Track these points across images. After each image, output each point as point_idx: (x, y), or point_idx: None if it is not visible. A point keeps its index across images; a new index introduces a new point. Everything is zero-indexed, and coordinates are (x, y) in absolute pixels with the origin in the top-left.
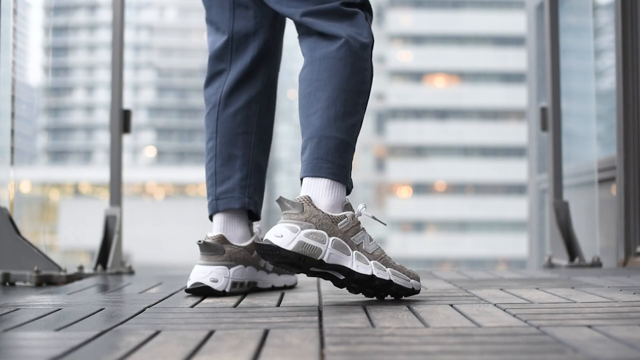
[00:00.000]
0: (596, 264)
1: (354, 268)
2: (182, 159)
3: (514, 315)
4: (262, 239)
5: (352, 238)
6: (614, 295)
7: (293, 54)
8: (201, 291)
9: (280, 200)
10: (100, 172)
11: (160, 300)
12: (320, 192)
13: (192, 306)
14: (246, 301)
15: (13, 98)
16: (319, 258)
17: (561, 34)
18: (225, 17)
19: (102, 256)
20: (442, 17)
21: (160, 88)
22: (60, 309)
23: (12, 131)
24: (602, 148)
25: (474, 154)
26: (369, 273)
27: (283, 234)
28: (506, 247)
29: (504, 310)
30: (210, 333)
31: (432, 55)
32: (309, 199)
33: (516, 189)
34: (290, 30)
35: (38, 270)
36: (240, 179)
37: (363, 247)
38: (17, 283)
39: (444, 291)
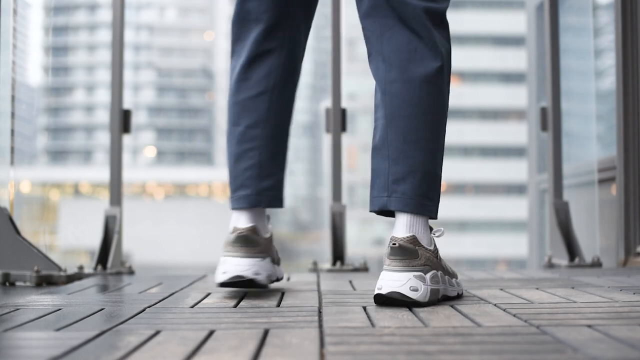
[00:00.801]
0: (596, 264)
1: (451, 295)
2: (182, 159)
3: (514, 315)
4: (381, 289)
5: (442, 264)
6: (614, 295)
7: None
8: (242, 284)
9: (399, 248)
10: (100, 172)
11: (160, 300)
12: (422, 229)
13: (192, 306)
14: (246, 301)
15: (13, 98)
16: (439, 297)
17: (561, 34)
18: None
19: (102, 256)
20: None
21: (160, 88)
22: (60, 309)
23: (12, 131)
24: (602, 148)
25: (474, 154)
26: (454, 295)
27: (418, 288)
28: (506, 247)
29: (504, 310)
30: (210, 333)
31: None
32: (416, 240)
33: (516, 189)
34: None
35: (38, 270)
36: (283, 177)
37: (446, 267)
38: (17, 283)
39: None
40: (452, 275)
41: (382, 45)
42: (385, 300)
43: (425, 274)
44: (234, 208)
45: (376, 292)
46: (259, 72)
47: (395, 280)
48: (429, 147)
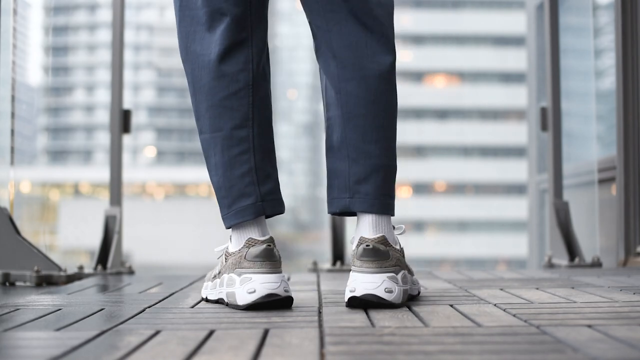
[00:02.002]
0: (596, 264)
1: (413, 294)
2: (182, 159)
3: (514, 315)
4: (354, 291)
5: (406, 262)
6: (614, 295)
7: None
8: (274, 304)
9: (373, 250)
10: (100, 172)
11: (160, 300)
12: (388, 228)
13: (192, 306)
14: None
15: (13, 98)
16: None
17: (561, 34)
18: None
19: (102, 256)
20: (442, 17)
21: (160, 88)
22: (60, 309)
23: (12, 131)
24: (602, 148)
25: (474, 154)
26: (416, 294)
27: (392, 289)
28: (506, 247)
29: (504, 310)
30: (210, 333)
31: (432, 55)
32: (386, 240)
33: (516, 189)
34: (290, 30)
35: (38, 270)
36: (277, 177)
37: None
38: (17, 283)
39: (444, 291)
40: (412, 273)
41: (331, 41)
42: (359, 303)
43: (397, 275)
44: (236, 223)
45: (349, 295)
46: (235, 65)
47: (370, 282)
48: (388, 144)
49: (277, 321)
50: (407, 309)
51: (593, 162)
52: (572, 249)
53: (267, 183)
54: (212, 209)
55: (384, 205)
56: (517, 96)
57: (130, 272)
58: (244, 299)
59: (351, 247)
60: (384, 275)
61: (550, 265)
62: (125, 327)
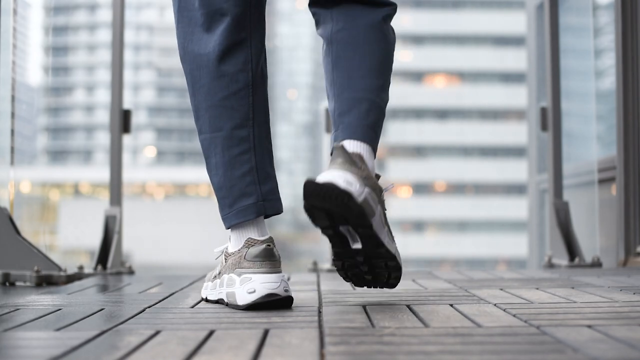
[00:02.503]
0: (596, 264)
1: (385, 243)
2: (182, 159)
3: (514, 315)
4: (314, 179)
5: (385, 212)
6: (614, 295)
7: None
8: (274, 304)
9: (342, 148)
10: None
11: (160, 300)
12: (368, 156)
13: (192, 306)
14: None
15: (13, 98)
16: (370, 221)
17: (561, 34)
18: None
19: (102, 256)
20: (442, 17)
21: (160, 88)
22: (60, 309)
23: (12, 131)
24: (602, 148)
25: (474, 154)
26: (393, 252)
27: (353, 183)
28: (506, 247)
29: (504, 310)
30: (210, 333)
31: (432, 55)
32: (362, 158)
33: (516, 189)
34: (290, 30)
35: (38, 270)
36: (276, 176)
37: (388, 224)
38: (17, 283)
39: (444, 291)
40: (392, 238)
41: (331, 14)
42: (315, 189)
43: (364, 185)
44: (236, 223)
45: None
46: (234, 65)
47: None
48: (374, 83)
49: (277, 321)
50: (407, 309)
51: (593, 162)
52: (572, 249)
53: (267, 183)
54: (212, 208)
55: (365, 133)
56: (517, 96)
57: (130, 272)
58: (244, 299)
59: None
60: (349, 174)
61: (550, 265)
62: (125, 327)
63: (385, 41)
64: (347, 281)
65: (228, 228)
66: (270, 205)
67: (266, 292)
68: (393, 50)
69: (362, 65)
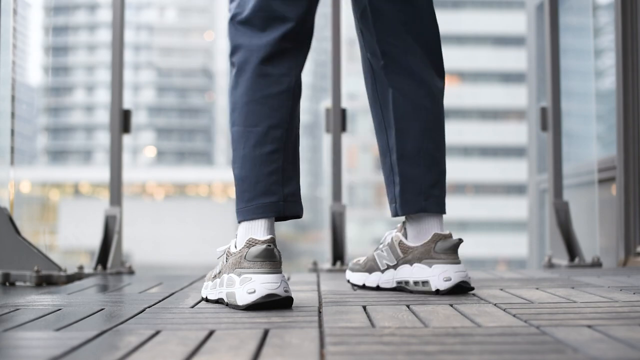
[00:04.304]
0: (596, 264)
1: None
2: (182, 159)
3: (514, 315)
4: (450, 279)
5: None
6: (614, 295)
7: None
8: (274, 304)
9: (456, 245)
10: (100, 172)
11: (160, 300)
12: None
13: (192, 306)
14: None
15: (13, 98)
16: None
17: (561, 34)
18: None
19: (102, 256)
20: (442, 17)
21: (160, 88)
22: (60, 309)
23: (12, 131)
24: (602, 148)
25: (474, 154)
26: None
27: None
28: (506, 247)
29: (504, 310)
30: (210, 333)
31: None
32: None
33: (516, 189)
34: None
35: (38, 270)
36: (299, 182)
37: None
38: (17, 283)
39: None
40: None
41: (408, 61)
42: (454, 289)
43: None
44: (252, 218)
45: (446, 285)
46: (279, 69)
47: (462, 270)
48: (444, 154)
49: (277, 321)
50: (407, 309)
51: (593, 162)
52: (572, 249)
53: (290, 185)
54: (213, 208)
55: (444, 207)
56: (517, 96)
57: (130, 272)
58: (243, 299)
59: (402, 240)
60: (462, 265)
61: (550, 265)
62: (125, 327)
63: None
64: None
65: (240, 221)
66: (290, 207)
67: (266, 292)
68: None
69: (442, 138)
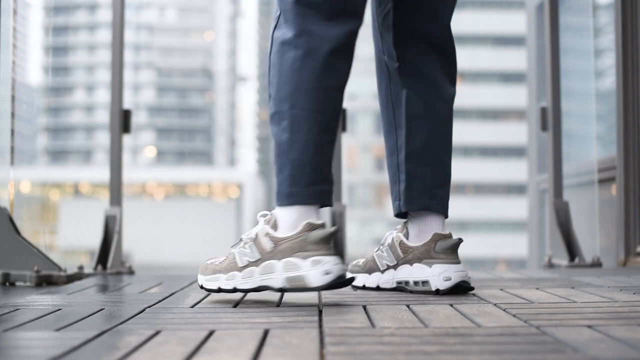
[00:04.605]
0: (596, 264)
1: None
2: (182, 159)
3: (514, 315)
4: (450, 279)
5: None
6: (614, 295)
7: None
8: (344, 284)
9: (457, 245)
10: (100, 172)
11: (160, 300)
12: None
13: (192, 306)
14: (246, 301)
15: (13, 98)
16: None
17: (561, 34)
18: None
19: (102, 256)
20: None
21: (160, 88)
22: (60, 309)
23: (12, 131)
24: (602, 148)
25: (474, 154)
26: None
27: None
28: (506, 247)
29: (504, 310)
30: (210, 333)
31: None
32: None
33: (516, 189)
34: None
35: (38, 270)
36: None
37: None
38: (17, 283)
39: None
40: None
41: (423, 65)
42: (454, 289)
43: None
44: (308, 202)
45: (446, 285)
46: (343, 64)
47: (462, 270)
48: (450, 158)
49: (277, 321)
50: (407, 309)
51: (593, 162)
52: (572, 249)
53: (330, 176)
54: (213, 208)
55: (447, 209)
56: (517, 96)
57: (130, 272)
58: (319, 280)
59: (403, 240)
60: (463, 266)
61: (550, 265)
62: (125, 327)
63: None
64: None
65: (287, 205)
66: (331, 197)
67: (340, 273)
68: None
69: (449, 141)
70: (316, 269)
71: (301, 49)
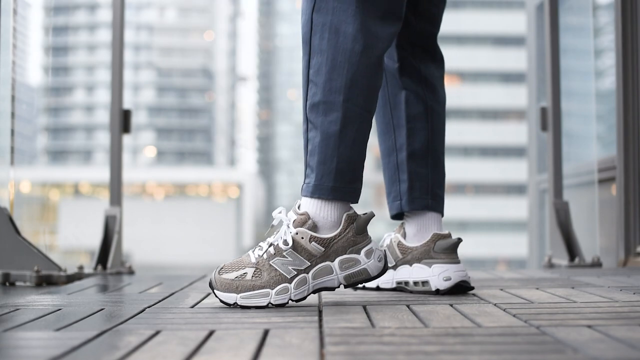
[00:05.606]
0: (596, 264)
1: None
2: (182, 159)
3: (514, 315)
4: (450, 279)
5: None
6: (614, 295)
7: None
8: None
9: (457, 244)
10: (100, 172)
11: (160, 300)
12: None
13: (192, 306)
14: None
15: (13, 98)
16: None
17: (561, 34)
18: None
19: (102, 256)
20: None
21: (160, 88)
22: (60, 309)
23: (12, 131)
24: (602, 148)
25: (474, 154)
26: None
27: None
28: (506, 247)
29: (504, 310)
30: (210, 333)
31: None
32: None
33: (516, 189)
34: (290, 30)
35: (38, 270)
36: None
37: None
38: (17, 283)
39: None
40: None
41: (422, 68)
42: (453, 289)
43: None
44: (349, 200)
45: (446, 284)
46: (384, 63)
47: (462, 270)
48: (444, 161)
49: (277, 321)
50: (407, 309)
51: (593, 162)
52: (572, 249)
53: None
54: (213, 208)
55: (444, 208)
56: (517, 96)
57: (130, 272)
58: (377, 268)
59: (401, 241)
60: (462, 266)
61: (550, 265)
62: (125, 327)
63: None
64: None
65: (328, 199)
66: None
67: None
68: None
69: (444, 142)
70: (373, 260)
71: (360, 44)
